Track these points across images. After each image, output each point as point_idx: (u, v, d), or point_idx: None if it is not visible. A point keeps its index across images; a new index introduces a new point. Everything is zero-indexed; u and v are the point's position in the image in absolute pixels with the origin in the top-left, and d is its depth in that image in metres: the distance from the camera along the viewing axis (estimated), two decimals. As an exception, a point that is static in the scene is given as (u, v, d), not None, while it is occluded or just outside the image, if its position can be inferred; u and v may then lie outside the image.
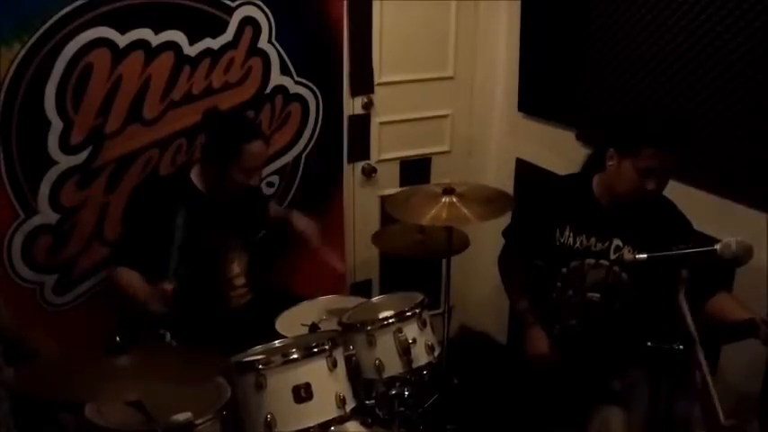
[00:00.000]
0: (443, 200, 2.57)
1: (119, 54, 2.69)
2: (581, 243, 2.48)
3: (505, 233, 2.72)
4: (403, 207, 2.67)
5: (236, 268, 2.80)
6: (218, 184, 2.65)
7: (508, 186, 3.49)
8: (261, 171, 2.72)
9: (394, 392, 2.28)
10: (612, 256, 2.44)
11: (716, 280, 2.32)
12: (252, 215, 2.85)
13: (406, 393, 2.30)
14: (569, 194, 2.53)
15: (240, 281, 2.81)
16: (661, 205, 2.43)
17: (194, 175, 2.70)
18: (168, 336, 2.26)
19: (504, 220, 2.68)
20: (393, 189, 3.42)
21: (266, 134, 2.88)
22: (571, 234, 2.49)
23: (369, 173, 3.44)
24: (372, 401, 2.27)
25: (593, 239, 2.47)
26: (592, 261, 2.47)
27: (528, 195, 2.65)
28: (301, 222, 2.89)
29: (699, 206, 2.57)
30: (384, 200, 2.81)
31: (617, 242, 2.45)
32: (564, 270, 2.50)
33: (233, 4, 2.87)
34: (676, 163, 2.31)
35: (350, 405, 2.10)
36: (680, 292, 1.81)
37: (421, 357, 2.30)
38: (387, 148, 3.46)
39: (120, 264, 2.58)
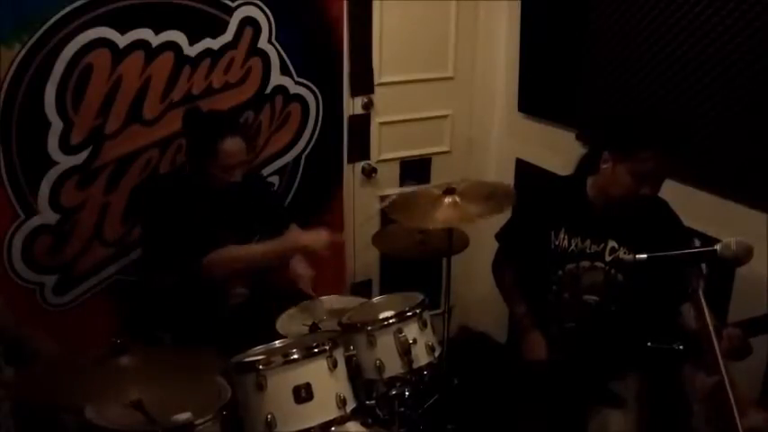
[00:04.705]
0: (446, 200, 2.53)
1: (119, 54, 2.70)
2: (576, 245, 2.47)
3: (499, 237, 2.72)
4: (405, 212, 2.62)
5: None
6: (202, 182, 2.64)
7: (508, 187, 3.50)
8: (243, 167, 2.63)
9: (394, 393, 2.28)
10: (608, 258, 2.44)
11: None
12: (249, 213, 2.84)
13: (407, 393, 2.30)
14: (563, 197, 2.52)
15: (238, 279, 2.80)
16: (654, 206, 2.42)
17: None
18: (168, 338, 2.27)
19: (508, 214, 2.66)
20: (393, 189, 3.42)
21: (245, 130, 2.86)
22: (566, 236, 2.48)
23: (369, 173, 3.44)
24: (373, 402, 2.27)
25: (587, 241, 2.46)
26: (587, 263, 2.47)
27: (522, 199, 2.63)
28: (299, 267, 2.82)
29: (699, 206, 2.57)
30: (385, 208, 2.77)
31: (612, 244, 2.44)
32: (560, 273, 2.50)
33: (233, 5, 2.87)
34: (672, 166, 2.30)
35: (350, 405, 2.09)
36: (699, 286, 1.79)
37: (421, 357, 2.30)
38: (387, 148, 3.45)
39: (156, 263, 2.61)
